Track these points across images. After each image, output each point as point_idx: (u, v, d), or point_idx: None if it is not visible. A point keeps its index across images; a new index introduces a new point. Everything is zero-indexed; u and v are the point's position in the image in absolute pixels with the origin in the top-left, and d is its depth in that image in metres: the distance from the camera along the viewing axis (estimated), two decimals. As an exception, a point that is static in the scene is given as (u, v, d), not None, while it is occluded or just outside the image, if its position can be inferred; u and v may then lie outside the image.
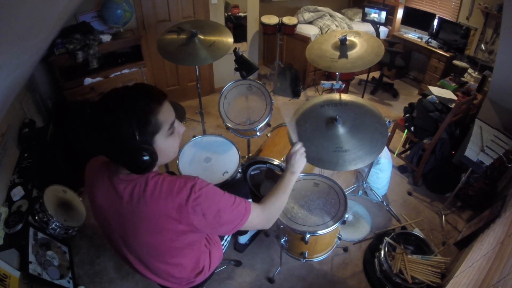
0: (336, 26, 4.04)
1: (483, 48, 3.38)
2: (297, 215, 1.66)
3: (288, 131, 1.37)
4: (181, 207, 0.90)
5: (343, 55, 2.04)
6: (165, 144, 0.92)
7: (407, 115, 2.86)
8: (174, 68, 3.60)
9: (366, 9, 3.93)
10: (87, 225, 2.27)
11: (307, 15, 4.11)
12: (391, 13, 4.16)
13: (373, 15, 3.91)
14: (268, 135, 2.40)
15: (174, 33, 2.28)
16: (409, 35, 4.19)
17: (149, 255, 1.05)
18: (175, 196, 0.90)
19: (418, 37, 4.11)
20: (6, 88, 1.70)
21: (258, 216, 1.05)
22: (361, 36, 2.14)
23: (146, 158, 0.85)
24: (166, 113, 0.90)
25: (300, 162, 1.22)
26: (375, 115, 1.66)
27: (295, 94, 4.01)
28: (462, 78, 3.25)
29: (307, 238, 1.55)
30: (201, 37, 2.23)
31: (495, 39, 3.34)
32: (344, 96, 1.77)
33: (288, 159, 1.24)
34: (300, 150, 1.24)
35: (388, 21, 4.08)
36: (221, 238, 1.48)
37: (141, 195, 0.91)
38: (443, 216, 2.43)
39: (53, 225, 1.99)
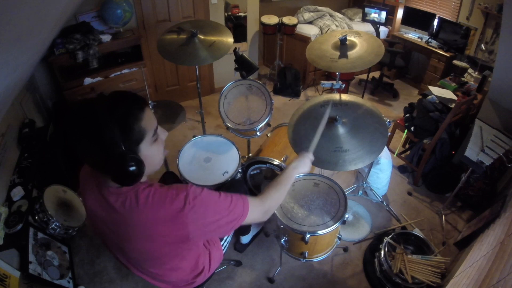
0: (336, 26, 4.04)
1: (483, 48, 3.38)
2: (297, 215, 1.65)
3: (312, 139, 1.38)
4: (175, 218, 0.88)
5: (343, 55, 2.04)
6: (150, 152, 0.89)
7: (407, 115, 2.86)
8: (174, 68, 3.60)
9: (366, 9, 3.93)
10: (87, 225, 2.27)
11: (307, 15, 4.11)
12: (391, 13, 4.15)
13: (373, 15, 3.91)
14: (268, 135, 2.40)
15: (174, 33, 2.28)
16: (409, 35, 4.19)
17: (144, 261, 1.05)
18: (167, 207, 0.88)
19: (418, 37, 4.10)
20: (6, 88, 1.70)
21: (257, 210, 1.04)
22: (361, 36, 2.14)
23: (132, 168, 0.82)
24: (148, 119, 0.87)
25: (307, 166, 1.26)
26: (375, 115, 1.66)
27: (295, 94, 4.01)
28: (462, 78, 3.25)
29: (307, 238, 1.55)
30: (201, 37, 2.23)
31: (495, 39, 3.34)
32: (344, 96, 1.77)
33: (298, 158, 1.28)
34: (311, 158, 1.30)
35: (388, 21, 4.08)
36: (221, 238, 1.47)
37: (133, 206, 0.89)
38: (443, 216, 2.43)
39: (53, 225, 1.99)
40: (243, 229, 2.00)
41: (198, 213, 0.90)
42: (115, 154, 0.80)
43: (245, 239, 2.19)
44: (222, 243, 1.47)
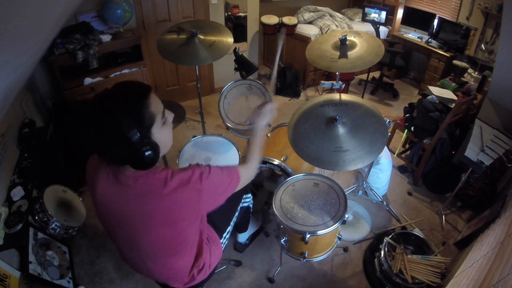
0: (336, 26, 4.04)
1: (483, 48, 3.38)
2: (297, 215, 1.66)
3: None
4: (194, 195, 0.95)
5: (343, 55, 2.04)
6: (161, 134, 0.95)
7: (407, 115, 2.86)
8: (174, 68, 3.60)
9: (366, 9, 3.93)
10: (87, 225, 2.27)
11: (307, 15, 4.11)
12: (391, 13, 4.15)
13: (373, 15, 3.91)
14: (268, 135, 2.40)
15: (174, 33, 2.28)
16: (409, 35, 4.19)
17: (155, 251, 1.06)
18: (186, 186, 0.94)
19: (418, 37, 4.10)
20: (6, 88, 1.70)
21: (245, 177, 1.14)
22: (361, 36, 2.14)
23: (149, 152, 0.88)
24: (155, 104, 0.93)
25: (266, 115, 1.28)
26: (375, 115, 1.66)
27: (295, 94, 4.01)
28: (462, 78, 3.25)
29: (307, 238, 1.55)
30: (201, 37, 2.23)
31: (495, 39, 3.34)
32: (344, 96, 1.77)
33: (255, 115, 1.29)
34: (269, 102, 1.31)
35: (388, 21, 4.08)
36: (220, 235, 1.48)
37: (152, 189, 0.93)
38: (443, 216, 2.43)
39: (53, 225, 1.99)
40: (241, 226, 2.01)
41: (211, 188, 1.00)
42: (132, 142, 0.85)
43: (242, 237, 2.18)
44: (221, 240, 1.48)
